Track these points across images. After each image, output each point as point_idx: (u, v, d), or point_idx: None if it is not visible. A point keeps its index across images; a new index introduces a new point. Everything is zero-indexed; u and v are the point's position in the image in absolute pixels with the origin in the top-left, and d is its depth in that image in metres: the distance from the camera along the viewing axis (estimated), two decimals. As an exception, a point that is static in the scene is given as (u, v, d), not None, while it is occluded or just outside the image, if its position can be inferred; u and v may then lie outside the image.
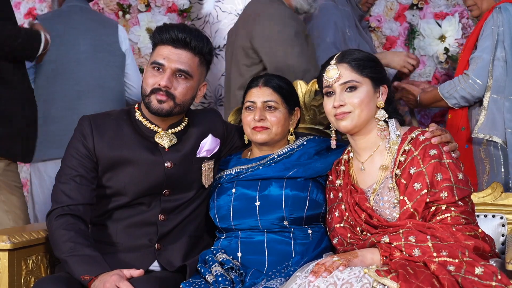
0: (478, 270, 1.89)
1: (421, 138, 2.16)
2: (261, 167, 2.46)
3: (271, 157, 2.48)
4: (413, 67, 3.53)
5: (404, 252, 1.99)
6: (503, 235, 2.47)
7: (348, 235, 2.19)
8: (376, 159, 2.22)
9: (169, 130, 2.41)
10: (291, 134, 2.53)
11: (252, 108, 2.48)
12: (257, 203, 2.39)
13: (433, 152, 2.12)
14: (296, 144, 2.52)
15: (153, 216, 2.37)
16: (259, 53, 3.18)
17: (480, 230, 2.10)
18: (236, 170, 2.50)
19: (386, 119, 2.24)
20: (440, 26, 4.07)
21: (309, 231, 2.39)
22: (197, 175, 2.44)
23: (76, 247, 2.18)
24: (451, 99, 3.22)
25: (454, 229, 2.03)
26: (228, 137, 2.58)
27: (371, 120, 2.22)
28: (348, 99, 2.19)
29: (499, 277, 1.87)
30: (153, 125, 2.40)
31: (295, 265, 2.20)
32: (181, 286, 2.18)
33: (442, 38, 4.06)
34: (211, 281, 2.18)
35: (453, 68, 4.01)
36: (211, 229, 2.53)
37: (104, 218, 2.38)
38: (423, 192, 2.08)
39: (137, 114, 2.42)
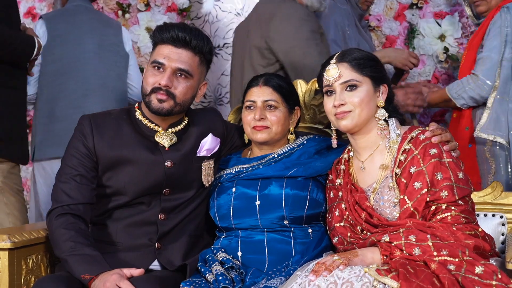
0: (478, 269, 1.89)
1: (421, 137, 2.16)
2: (261, 166, 2.46)
3: (271, 157, 2.48)
4: (414, 66, 3.53)
5: (404, 251, 1.99)
6: (503, 234, 2.47)
7: (348, 234, 2.19)
8: (376, 158, 2.23)
9: (169, 130, 2.41)
10: (291, 133, 2.53)
11: (252, 108, 2.48)
12: (257, 202, 2.39)
13: (433, 151, 2.12)
14: (296, 143, 2.52)
15: (153, 215, 2.37)
16: (277, 53, 3.15)
17: (480, 229, 2.10)
18: (236, 170, 2.50)
19: (386, 118, 2.24)
20: (440, 25, 4.07)
21: (309, 230, 2.39)
22: (197, 174, 2.44)
23: (76, 247, 2.18)
24: (460, 100, 3.20)
25: (454, 228, 2.03)
26: (228, 136, 2.58)
27: (371, 119, 2.23)
28: (348, 98, 2.19)
29: (499, 276, 1.88)
30: (153, 125, 2.40)
31: (295, 264, 2.20)
32: (181, 285, 2.18)
33: (441, 37, 4.07)
34: (211, 280, 2.18)
35: (453, 67, 4.02)
36: (211, 228, 2.53)
37: (104, 217, 2.38)
38: (423, 191, 2.08)
39: (137, 114, 2.42)
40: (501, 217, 2.49)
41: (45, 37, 3.42)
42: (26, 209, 3.17)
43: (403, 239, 2.01)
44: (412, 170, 2.12)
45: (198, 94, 2.42)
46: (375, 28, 4.17)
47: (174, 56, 2.30)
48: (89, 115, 2.40)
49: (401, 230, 2.04)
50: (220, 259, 2.28)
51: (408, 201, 2.10)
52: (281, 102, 2.47)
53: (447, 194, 2.06)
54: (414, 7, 4.13)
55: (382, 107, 2.23)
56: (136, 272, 2.17)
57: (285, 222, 2.36)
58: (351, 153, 2.32)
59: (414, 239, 2.00)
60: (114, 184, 2.35)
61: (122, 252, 2.32)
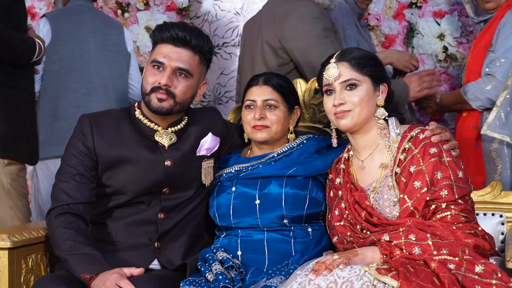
0: (478, 268, 1.89)
1: (421, 136, 2.17)
2: (261, 166, 2.46)
3: (271, 156, 2.48)
4: (415, 68, 3.52)
5: (404, 250, 1.99)
6: (502, 233, 2.47)
7: (348, 234, 2.19)
8: (376, 158, 2.23)
9: (169, 129, 2.41)
10: (291, 133, 2.54)
11: (252, 107, 2.48)
12: (257, 202, 2.39)
13: (433, 150, 2.12)
14: (296, 142, 2.52)
15: (153, 214, 2.37)
16: (292, 53, 3.13)
17: (480, 228, 2.10)
18: (236, 169, 2.50)
19: (386, 118, 2.24)
20: (439, 24, 4.07)
21: (309, 230, 2.39)
22: (197, 173, 2.44)
23: (76, 246, 2.18)
24: (476, 101, 3.18)
25: (454, 227, 2.03)
26: (227, 136, 2.58)
27: (371, 119, 2.23)
28: (348, 97, 2.19)
29: (499, 275, 1.88)
30: (153, 124, 2.39)
31: (295, 264, 2.20)
32: (181, 284, 2.18)
33: (441, 36, 4.07)
34: (211, 279, 2.18)
35: (453, 66, 4.02)
36: (211, 228, 2.53)
37: (104, 216, 2.38)
38: (423, 191, 2.08)
39: (137, 113, 2.42)
40: (501, 216, 2.49)
41: (49, 35, 3.42)
42: (30, 212, 3.18)
43: (403, 238, 2.01)
44: (412, 169, 2.12)
45: (197, 93, 2.42)
46: (374, 27, 4.17)
47: (174, 56, 2.30)
48: (88, 114, 2.40)
49: (401, 229, 2.04)
50: (220, 258, 2.28)
51: (408, 200, 2.10)
52: (281, 102, 2.47)
53: (446, 193, 2.07)
54: (414, 6, 4.13)
55: (382, 106, 2.23)
56: (136, 271, 2.17)
57: (285, 221, 2.37)
58: (351, 152, 2.32)
59: (414, 238, 2.00)
60: (114, 184, 2.34)
61: (122, 251, 2.32)
